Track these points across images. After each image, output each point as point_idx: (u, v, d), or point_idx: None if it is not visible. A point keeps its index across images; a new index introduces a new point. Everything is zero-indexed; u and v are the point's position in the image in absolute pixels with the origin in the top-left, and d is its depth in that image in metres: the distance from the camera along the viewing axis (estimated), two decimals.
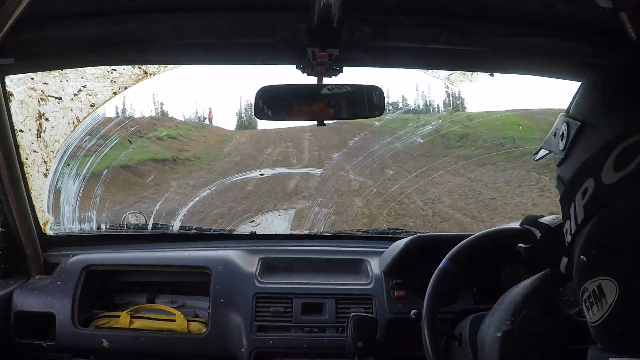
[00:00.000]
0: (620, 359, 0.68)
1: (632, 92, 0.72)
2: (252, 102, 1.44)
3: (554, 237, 1.22)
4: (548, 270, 1.26)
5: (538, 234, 1.27)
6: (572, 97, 0.83)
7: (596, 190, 0.71)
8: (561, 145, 0.80)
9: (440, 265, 1.34)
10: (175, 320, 1.73)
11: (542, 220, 1.28)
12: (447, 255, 1.35)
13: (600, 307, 0.69)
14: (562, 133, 0.80)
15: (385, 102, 1.51)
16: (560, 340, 1.17)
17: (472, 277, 1.74)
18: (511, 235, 1.34)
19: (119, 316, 1.73)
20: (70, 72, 1.64)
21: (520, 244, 1.28)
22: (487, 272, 1.73)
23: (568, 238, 0.78)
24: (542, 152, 0.94)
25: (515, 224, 1.36)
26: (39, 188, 1.80)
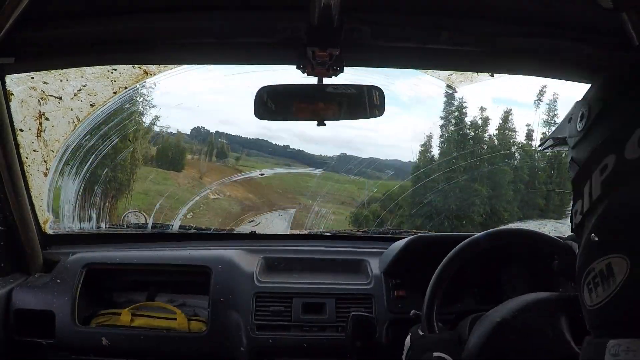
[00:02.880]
0: (622, 341, 0.66)
1: None
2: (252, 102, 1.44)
3: None
4: (570, 293, 1.26)
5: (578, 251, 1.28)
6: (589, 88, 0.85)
7: (617, 166, 0.70)
8: (579, 126, 0.81)
9: (477, 235, 1.33)
10: (176, 319, 1.73)
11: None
12: (488, 230, 1.35)
13: (607, 287, 0.67)
14: (582, 114, 0.81)
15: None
16: (550, 357, 1.17)
17: (473, 278, 1.74)
18: (553, 245, 1.35)
19: (120, 314, 1.73)
20: (70, 72, 1.65)
21: (556, 260, 1.29)
22: (488, 273, 1.74)
23: (577, 219, 0.77)
24: (549, 142, 0.96)
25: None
26: (39, 187, 1.81)
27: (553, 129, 1.02)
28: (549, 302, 1.24)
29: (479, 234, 1.34)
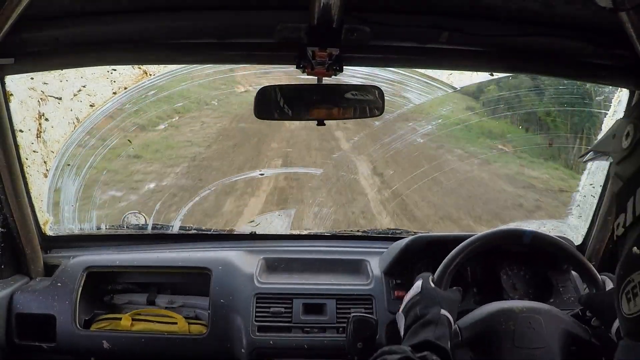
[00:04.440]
0: None
1: None
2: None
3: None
4: (578, 311, 1.31)
5: (609, 286, 1.32)
6: (633, 104, 0.90)
7: None
8: (625, 144, 0.85)
9: (523, 229, 1.39)
10: (176, 323, 1.73)
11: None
12: (535, 232, 1.40)
13: None
14: (627, 132, 0.85)
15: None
16: (554, 342, 1.19)
17: (472, 278, 1.74)
18: (591, 275, 1.39)
19: (120, 319, 1.73)
20: (70, 72, 1.64)
21: (586, 291, 1.36)
22: (487, 273, 1.74)
23: (620, 231, 0.82)
24: (591, 155, 1.01)
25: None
26: (39, 188, 1.80)
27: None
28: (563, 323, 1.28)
29: (526, 229, 1.37)
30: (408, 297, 1.32)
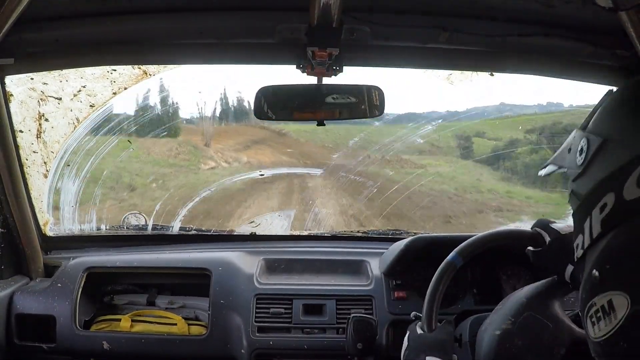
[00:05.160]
0: None
1: None
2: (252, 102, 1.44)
3: (562, 244, 1.22)
4: (555, 277, 1.26)
5: (547, 239, 1.27)
6: (589, 113, 0.84)
7: (616, 205, 0.71)
8: (579, 160, 0.79)
9: (448, 257, 1.32)
10: (175, 324, 1.73)
11: (554, 225, 1.28)
12: (456, 249, 1.33)
13: (608, 322, 0.69)
14: (581, 148, 0.79)
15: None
16: (557, 348, 1.17)
17: (472, 278, 1.74)
18: (521, 237, 1.34)
19: (119, 319, 1.73)
20: (70, 73, 1.64)
21: (529, 247, 1.28)
22: (487, 274, 1.73)
23: (579, 252, 0.79)
24: (551, 168, 0.93)
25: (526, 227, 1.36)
26: (39, 188, 1.80)
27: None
28: (539, 295, 1.24)
29: (450, 254, 1.32)
30: (402, 350, 1.32)
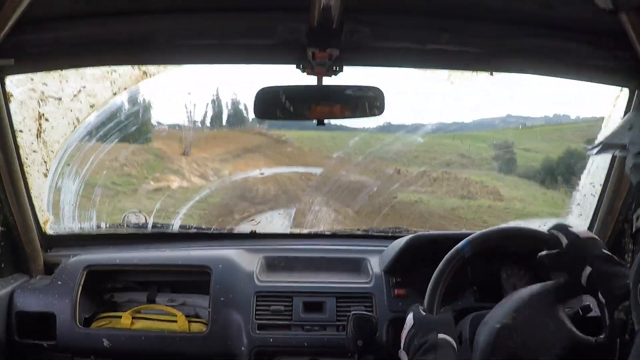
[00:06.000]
0: None
1: None
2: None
3: (580, 247, 1.24)
4: (561, 280, 1.26)
5: (564, 242, 1.27)
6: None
7: None
8: None
9: (458, 245, 1.32)
10: (176, 321, 1.73)
11: (572, 229, 1.29)
12: (468, 237, 1.33)
13: None
14: None
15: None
16: (556, 349, 1.18)
17: (473, 276, 1.74)
18: (537, 238, 1.35)
19: (120, 317, 1.74)
20: (70, 73, 1.64)
21: (544, 251, 1.29)
22: (488, 271, 1.74)
23: (639, 224, 0.77)
24: (602, 147, 0.97)
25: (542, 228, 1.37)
26: (39, 188, 1.81)
27: None
28: (543, 294, 1.25)
29: (461, 242, 1.32)
30: (404, 333, 1.30)
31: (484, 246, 1.33)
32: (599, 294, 1.19)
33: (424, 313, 1.29)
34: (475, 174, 6.85)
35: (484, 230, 1.34)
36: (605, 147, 0.98)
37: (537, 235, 1.34)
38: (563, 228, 1.30)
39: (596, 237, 1.29)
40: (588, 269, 1.19)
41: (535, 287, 1.28)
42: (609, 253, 1.22)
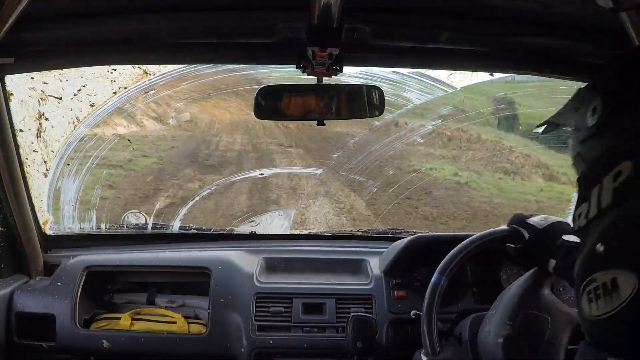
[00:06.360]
0: None
1: None
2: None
3: (541, 239, 1.23)
4: (536, 268, 1.26)
5: (526, 235, 1.27)
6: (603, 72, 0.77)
7: (633, 176, 0.64)
8: (590, 121, 0.71)
9: (432, 280, 1.34)
10: (175, 323, 1.73)
11: (530, 220, 1.28)
12: (438, 269, 1.35)
13: (609, 302, 0.62)
14: (594, 108, 0.71)
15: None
16: (561, 337, 1.17)
17: (472, 277, 1.74)
18: (498, 238, 1.34)
19: (119, 318, 1.73)
20: (70, 72, 1.65)
21: (509, 245, 1.29)
22: (486, 272, 1.74)
23: (581, 222, 0.71)
24: (548, 126, 0.85)
25: (503, 225, 1.36)
26: (39, 188, 1.80)
27: None
28: (528, 288, 1.25)
29: (434, 277, 1.34)
30: None
31: (457, 267, 1.35)
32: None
33: (424, 359, 1.31)
34: None
35: (449, 255, 1.36)
36: (550, 125, 0.85)
37: (500, 234, 1.34)
38: (521, 221, 1.28)
39: (556, 221, 1.26)
40: (553, 261, 1.18)
41: (517, 285, 1.28)
42: (571, 240, 1.17)
